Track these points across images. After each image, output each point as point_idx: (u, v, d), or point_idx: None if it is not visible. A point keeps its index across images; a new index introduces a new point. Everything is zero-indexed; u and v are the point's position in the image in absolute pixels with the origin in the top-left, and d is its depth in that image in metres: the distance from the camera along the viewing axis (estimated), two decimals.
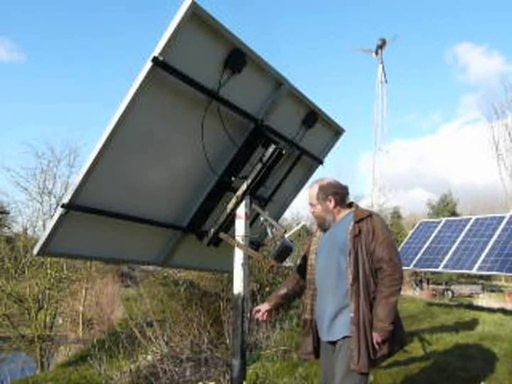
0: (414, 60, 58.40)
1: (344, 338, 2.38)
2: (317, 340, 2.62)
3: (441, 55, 60.92)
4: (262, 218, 2.90)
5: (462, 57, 60.09)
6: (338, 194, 2.58)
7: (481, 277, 21.61)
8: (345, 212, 2.58)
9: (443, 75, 60.31)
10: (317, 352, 2.64)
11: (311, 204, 2.64)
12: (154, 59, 2.14)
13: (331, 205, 2.57)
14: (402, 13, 58.67)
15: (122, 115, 2.22)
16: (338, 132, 3.74)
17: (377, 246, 2.38)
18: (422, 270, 9.83)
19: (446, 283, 21.11)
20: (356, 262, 2.37)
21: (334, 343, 2.48)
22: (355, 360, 2.27)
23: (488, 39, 57.71)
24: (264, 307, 2.80)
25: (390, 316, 2.29)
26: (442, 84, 60.76)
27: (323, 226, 2.64)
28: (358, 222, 2.45)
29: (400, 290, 2.37)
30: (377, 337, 2.30)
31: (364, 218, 2.45)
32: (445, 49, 64.05)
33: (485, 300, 14.25)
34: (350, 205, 2.63)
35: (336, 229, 2.56)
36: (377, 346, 2.32)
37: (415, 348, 5.30)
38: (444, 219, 10.26)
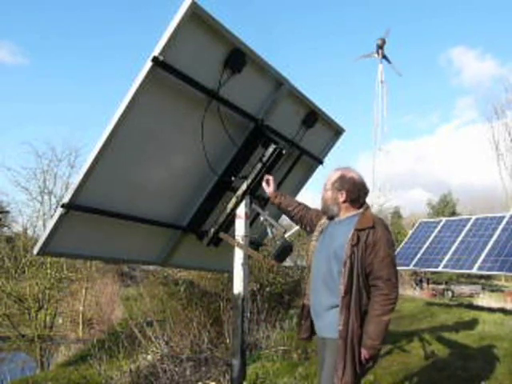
0: (410, 62, 58.60)
1: (332, 339, 2.33)
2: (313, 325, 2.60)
3: (436, 58, 61.37)
4: (261, 218, 2.90)
5: (456, 60, 60.54)
6: (353, 192, 2.45)
7: (481, 277, 21.62)
8: (353, 211, 2.47)
9: (439, 78, 60.67)
10: (312, 335, 2.64)
11: (325, 186, 2.54)
12: (154, 59, 2.14)
13: (341, 198, 2.45)
14: (400, 15, 58.96)
15: (121, 115, 2.22)
16: (338, 132, 3.74)
17: (376, 263, 2.26)
18: (422, 269, 9.84)
19: (446, 283, 21.11)
20: (351, 273, 2.27)
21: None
22: (339, 375, 2.23)
23: (482, 43, 58.04)
24: (271, 191, 2.86)
25: (380, 334, 2.24)
26: (438, 86, 61.12)
27: (325, 213, 2.56)
28: (359, 230, 2.32)
29: (393, 309, 2.29)
30: (365, 353, 2.25)
31: (366, 228, 2.31)
32: (440, 52, 64.67)
33: (485, 300, 14.23)
34: (362, 205, 2.50)
35: (338, 227, 2.46)
36: (364, 362, 2.28)
37: (415, 348, 5.30)
38: (444, 219, 10.25)
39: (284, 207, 2.85)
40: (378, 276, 2.27)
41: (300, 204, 2.84)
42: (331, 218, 2.56)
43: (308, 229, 2.79)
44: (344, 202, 2.46)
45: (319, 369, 2.60)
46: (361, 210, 2.46)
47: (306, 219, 2.78)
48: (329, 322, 2.35)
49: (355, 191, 2.46)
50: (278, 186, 3.39)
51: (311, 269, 2.54)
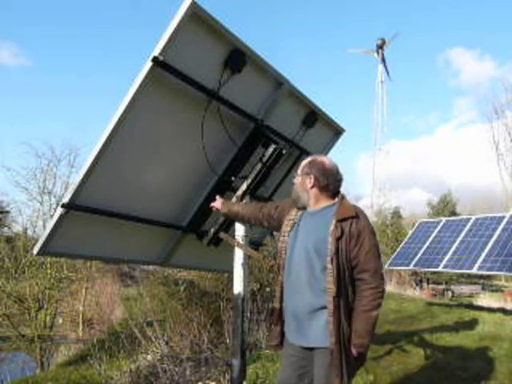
0: (408, 63, 58.72)
1: (323, 347, 2.15)
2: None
3: (434, 59, 61.66)
4: None
5: (454, 61, 60.76)
6: (322, 176, 2.27)
7: (481, 276, 21.62)
8: (326, 202, 2.28)
9: (437, 79, 60.76)
10: (282, 342, 2.39)
11: (297, 173, 2.40)
12: (154, 59, 2.14)
13: (309, 184, 2.28)
14: (398, 16, 59.02)
15: (121, 115, 2.22)
16: (338, 132, 3.74)
17: (361, 255, 2.12)
18: (422, 269, 9.83)
19: (446, 283, 21.13)
20: (338, 269, 2.10)
21: (306, 347, 2.24)
22: (338, 376, 2.08)
23: (480, 44, 58.24)
24: (219, 204, 2.74)
25: (370, 331, 2.11)
26: (436, 87, 61.24)
27: (296, 203, 2.36)
28: (340, 220, 2.15)
29: (381, 303, 2.14)
30: (355, 352, 2.14)
31: (348, 217, 2.15)
32: (438, 53, 65.12)
33: (485, 300, 14.24)
34: (336, 195, 2.32)
35: (315, 220, 2.26)
36: (353, 361, 2.16)
37: (415, 348, 5.30)
38: (444, 219, 10.25)
39: (233, 213, 2.70)
40: (364, 269, 2.13)
41: (247, 204, 2.69)
42: (303, 209, 2.36)
43: (266, 224, 2.59)
44: (312, 187, 2.28)
45: (284, 374, 2.36)
46: (336, 200, 2.28)
47: (262, 214, 2.56)
48: (320, 326, 2.15)
49: (324, 176, 2.27)
50: (278, 186, 3.40)
51: (286, 269, 2.30)
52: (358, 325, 2.11)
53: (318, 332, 2.16)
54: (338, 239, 2.12)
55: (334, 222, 2.15)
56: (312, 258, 2.18)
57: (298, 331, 2.24)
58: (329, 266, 2.12)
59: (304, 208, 2.35)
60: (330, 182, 2.28)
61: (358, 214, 2.18)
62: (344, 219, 2.15)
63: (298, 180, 2.37)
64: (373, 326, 2.12)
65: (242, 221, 2.77)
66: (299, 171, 2.38)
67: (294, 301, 2.25)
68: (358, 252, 2.13)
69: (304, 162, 2.38)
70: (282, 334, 2.37)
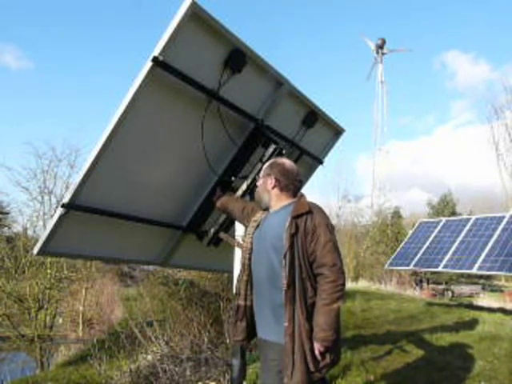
0: (406, 63, 58.85)
1: (278, 343, 2.19)
2: (250, 326, 2.43)
3: (431, 61, 61.94)
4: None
5: (450, 64, 61.05)
6: (283, 176, 2.34)
7: (481, 277, 21.64)
8: (286, 201, 2.35)
9: (434, 80, 60.93)
10: (249, 337, 2.47)
11: (260, 176, 2.47)
12: (154, 59, 2.14)
13: (271, 185, 2.35)
14: (397, 17, 59.10)
15: (122, 115, 2.22)
16: (338, 132, 3.74)
17: (318, 250, 2.14)
18: (422, 269, 9.83)
19: (446, 283, 21.13)
20: (292, 264, 2.14)
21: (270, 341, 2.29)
22: (289, 374, 2.08)
23: (475, 47, 58.54)
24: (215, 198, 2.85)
25: (332, 324, 2.09)
26: (433, 88, 61.37)
27: (259, 204, 2.45)
28: (295, 217, 2.18)
29: (343, 296, 2.15)
30: (319, 347, 2.10)
31: (303, 213, 2.19)
32: (434, 55, 65.44)
33: (485, 300, 14.25)
34: (296, 194, 2.39)
35: (273, 219, 2.33)
36: (319, 357, 2.12)
37: (415, 348, 5.30)
38: (444, 219, 10.25)
39: (225, 209, 2.76)
40: (322, 263, 2.14)
41: (238, 201, 2.73)
42: (266, 210, 2.44)
43: (247, 224, 2.59)
44: (273, 187, 2.35)
45: (261, 372, 2.39)
46: (295, 199, 2.33)
47: (244, 215, 2.64)
48: (277, 325, 2.19)
49: (284, 176, 2.35)
50: None
51: (251, 267, 2.37)
52: (319, 318, 2.11)
53: (278, 328, 2.19)
54: (293, 235, 2.15)
55: (289, 218, 2.19)
56: (271, 256, 2.24)
57: (264, 327, 2.31)
58: (283, 261, 2.16)
59: (267, 209, 2.42)
60: (290, 182, 2.36)
61: (312, 210, 2.21)
62: (299, 216, 2.19)
63: (260, 182, 2.44)
64: (335, 319, 2.12)
65: (234, 218, 2.80)
66: (261, 173, 2.45)
67: (258, 298, 2.33)
68: (314, 247, 2.15)
69: (265, 166, 2.45)
70: (247, 329, 2.44)
